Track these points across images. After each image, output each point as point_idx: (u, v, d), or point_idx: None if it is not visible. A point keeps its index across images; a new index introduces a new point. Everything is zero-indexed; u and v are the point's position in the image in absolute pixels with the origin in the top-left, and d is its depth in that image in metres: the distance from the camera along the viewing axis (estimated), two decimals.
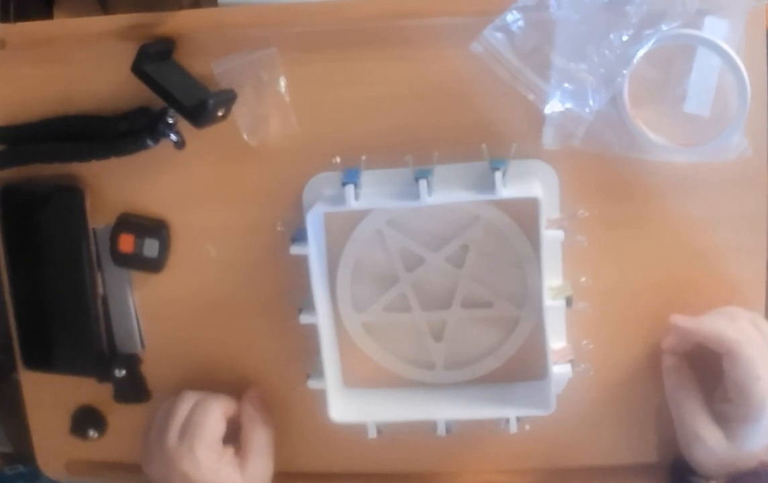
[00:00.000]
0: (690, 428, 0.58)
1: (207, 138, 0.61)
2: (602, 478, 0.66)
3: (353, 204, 0.57)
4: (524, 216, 0.60)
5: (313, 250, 0.59)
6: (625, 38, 0.55)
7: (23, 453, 0.81)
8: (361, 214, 0.62)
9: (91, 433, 0.69)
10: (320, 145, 0.61)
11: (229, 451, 0.62)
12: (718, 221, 0.60)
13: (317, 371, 0.62)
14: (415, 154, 0.58)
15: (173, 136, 0.61)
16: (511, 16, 0.56)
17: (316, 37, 0.60)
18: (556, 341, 0.61)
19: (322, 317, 0.61)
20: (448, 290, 0.63)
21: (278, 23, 0.59)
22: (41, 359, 0.68)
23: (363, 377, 0.66)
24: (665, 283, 0.61)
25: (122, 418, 0.69)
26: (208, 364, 0.67)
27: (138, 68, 0.58)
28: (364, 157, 0.59)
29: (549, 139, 0.59)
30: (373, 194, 0.59)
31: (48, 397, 0.70)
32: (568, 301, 0.59)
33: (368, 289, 0.64)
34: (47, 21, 0.71)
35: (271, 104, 0.61)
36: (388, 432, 0.64)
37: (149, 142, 0.61)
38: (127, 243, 0.64)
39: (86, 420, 0.69)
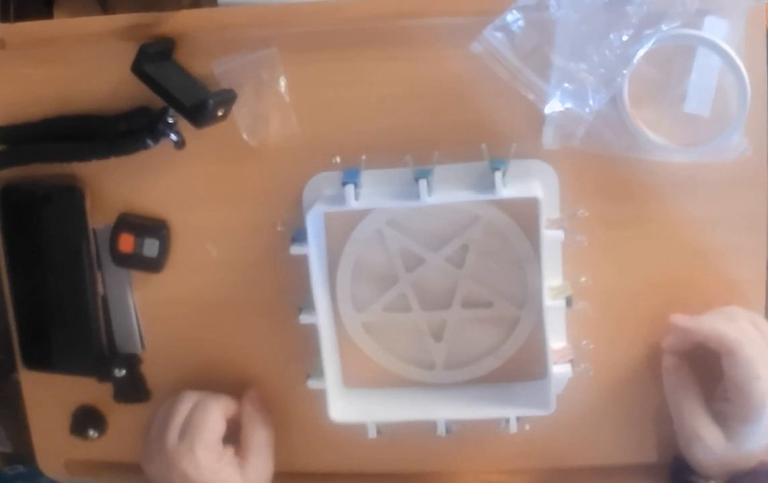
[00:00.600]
0: (690, 428, 0.58)
1: (207, 138, 0.61)
2: (602, 478, 0.66)
3: (353, 204, 0.57)
4: (524, 216, 0.60)
5: (313, 250, 0.59)
6: (625, 38, 0.55)
7: (23, 453, 0.81)
8: (361, 214, 0.62)
9: (91, 433, 0.69)
10: (320, 145, 0.61)
11: (229, 451, 0.62)
12: (718, 221, 0.60)
13: (317, 371, 0.62)
14: (415, 154, 0.58)
15: (173, 136, 0.61)
16: (511, 16, 0.56)
17: (316, 37, 0.60)
18: (556, 341, 0.61)
19: (322, 317, 0.61)
20: (448, 290, 0.63)
21: (278, 23, 0.59)
22: (41, 359, 0.68)
23: (363, 377, 0.66)
24: (665, 283, 0.61)
25: (122, 418, 0.69)
26: (208, 364, 0.67)
27: (138, 68, 0.58)
28: (364, 157, 0.59)
29: (549, 139, 0.59)
30: (373, 194, 0.59)
31: (48, 397, 0.70)
32: (568, 301, 0.59)
33: (368, 289, 0.64)
34: (47, 21, 0.72)
35: (271, 104, 0.61)
36: (388, 432, 0.64)
37: (149, 142, 0.61)
38: (127, 243, 0.64)
39: (86, 420, 0.69)
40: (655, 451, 0.65)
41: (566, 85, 0.56)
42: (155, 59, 0.59)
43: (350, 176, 0.58)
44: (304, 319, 0.61)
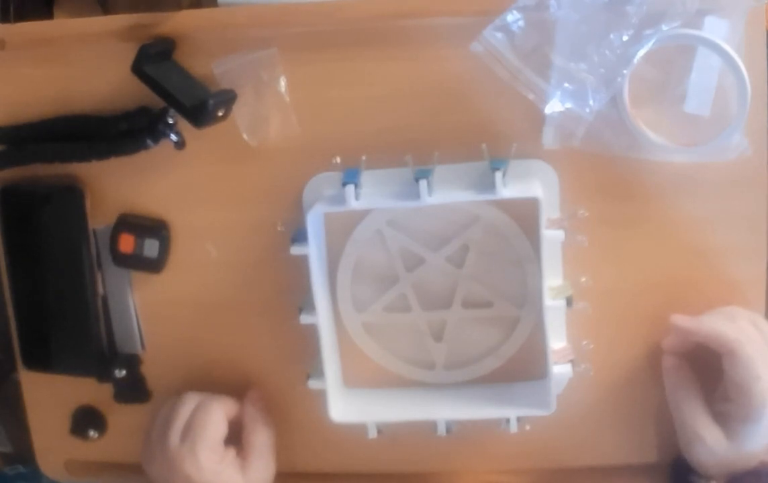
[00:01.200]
0: (690, 428, 0.58)
1: (207, 138, 0.61)
2: (602, 478, 0.66)
3: (353, 204, 0.57)
4: (524, 216, 0.60)
5: (314, 250, 0.59)
6: (625, 38, 0.55)
7: (23, 453, 0.81)
8: (362, 214, 0.62)
9: (91, 433, 0.69)
10: (320, 145, 0.61)
11: (231, 452, 0.62)
12: (718, 221, 0.60)
13: (317, 371, 0.62)
14: (415, 154, 0.58)
15: (173, 136, 0.61)
16: (511, 16, 0.56)
17: (316, 37, 0.60)
18: (557, 341, 0.61)
19: (322, 317, 0.61)
20: (448, 290, 0.63)
21: (278, 23, 0.59)
22: (41, 359, 0.68)
23: (363, 377, 0.66)
24: (665, 283, 0.61)
25: (122, 418, 0.69)
26: (209, 365, 0.67)
27: (138, 68, 0.58)
28: (364, 157, 0.59)
29: (549, 139, 0.59)
30: (373, 194, 0.59)
31: (48, 397, 0.70)
32: (569, 301, 0.59)
33: (368, 289, 0.64)
34: (47, 21, 0.71)
35: (271, 104, 0.61)
36: (389, 432, 0.64)
37: (149, 142, 0.61)
38: (127, 243, 0.64)
39: (86, 420, 0.69)
40: (656, 451, 0.65)
41: (566, 85, 0.56)
42: (155, 59, 0.59)
43: (350, 176, 0.58)
44: (305, 319, 0.61)
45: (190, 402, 0.62)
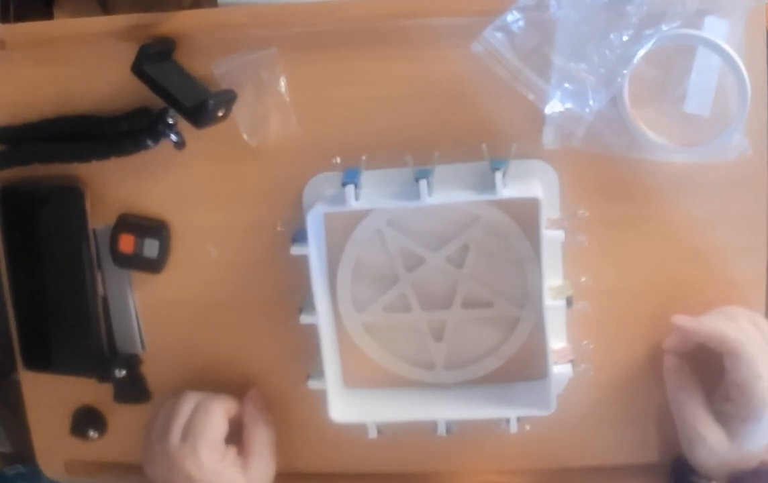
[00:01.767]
0: (692, 428, 0.58)
1: (207, 138, 0.61)
2: (603, 478, 0.66)
3: (353, 204, 0.57)
4: (524, 216, 0.60)
5: (314, 251, 0.59)
6: (625, 38, 0.55)
7: (23, 453, 0.81)
8: (362, 214, 0.62)
9: (92, 433, 0.69)
10: (320, 145, 0.61)
11: (232, 451, 0.62)
12: (718, 221, 0.60)
13: (317, 371, 0.62)
14: (415, 154, 0.58)
15: (173, 137, 0.61)
16: (512, 16, 0.56)
17: (316, 37, 0.60)
18: (557, 341, 0.61)
19: (322, 317, 0.61)
20: (448, 290, 0.63)
21: (278, 23, 0.59)
22: (41, 359, 0.68)
23: (363, 377, 0.66)
24: (665, 283, 0.61)
25: (122, 418, 0.69)
26: (209, 365, 0.67)
27: (138, 68, 0.58)
28: (364, 157, 0.59)
29: (549, 139, 0.59)
30: (373, 194, 0.59)
31: (48, 397, 0.70)
32: (569, 301, 0.59)
33: (368, 289, 0.64)
34: (47, 21, 0.71)
35: (271, 104, 0.61)
36: (389, 432, 0.64)
37: (149, 142, 0.61)
38: (127, 243, 0.64)
39: (86, 420, 0.69)
40: (656, 451, 0.65)
41: (566, 85, 0.56)
42: (155, 59, 0.59)
43: (350, 176, 0.58)
44: (305, 319, 0.61)
45: (190, 401, 0.62)
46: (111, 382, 0.68)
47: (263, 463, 0.62)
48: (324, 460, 0.68)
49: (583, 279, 0.61)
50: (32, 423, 0.71)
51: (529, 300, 0.62)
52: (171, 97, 0.58)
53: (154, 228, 0.64)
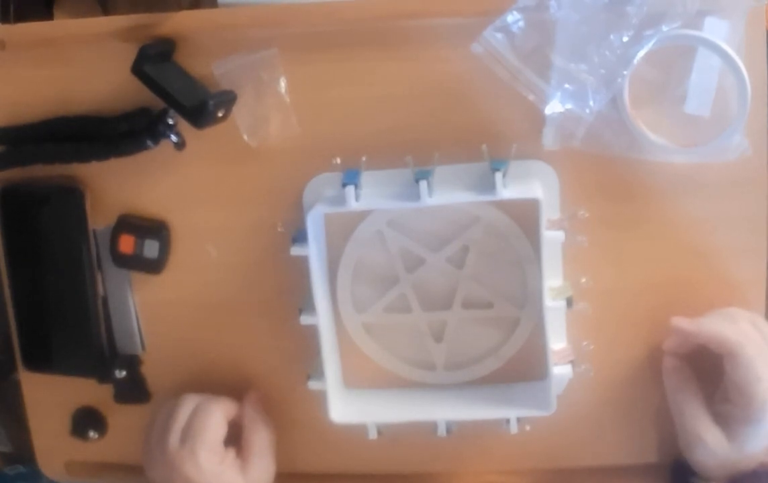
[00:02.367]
0: (691, 430, 0.58)
1: (207, 139, 0.61)
2: (602, 478, 0.66)
3: (353, 205, 0.57)
4: (525, 217, 0.60)
5: (314, 251, 0.59)
6: (625, 39, 0.55)
7: (23, 453, 0.81)
8: (362, 215, 0.62)
9: (92, 433, 0.69)
10: (320, 145, 0.61)
11: (231, 453, 0.61)
12: (718, 221, 0.60)
13: (317, 372, 0.62)
14: (416, 154, 0.58)
15: (173, 137, 0.61)
16: (512, 17, 0.56)
17: (316, 37, 0.60)
18: (557, 342, 0.61)
19: (322, 318, 0.61)
20: (448, 291, 0.63)
21: (278, 23, 0.59)
22: (41, 360, 0.68)
23: (363, 378, 0.66)
24: (665, 284, 0.61)
25: (122, 418, 0.69)
26: (209, 365, 0.67)
27: (138, 69, 0.58)
28: (364, 158, 0.59)
29: (549, 139, 0.59)
30: (373, 195, 0.59)
31: (48, 397, 0.70)
32: (569, 302, 0.59)
33: (369, 290, 0.64)
34: (47, 21, 0.71)
35: (271, 105, 0.61)
36: (389, 433, 0.64)
37: (149, 142, 0.61)
38: (127, 244, 0.64)
39: (86, 421, 0.69)
40: (656, 452, 0.65)
41: (566, 85, 0.56)
42: (155, 60, 0.59)
43: (350, 177, 0.58)
44: (305, 319, 0.61)
45: (189, 403, 0.62)
46: (111, 383, 0.68)
47: (263, 465, 0.62)
48: (324, 460, 0.68)
49: (584, 280, 0.61)
50: (32, 423, 0.71)
51: (529, 301, 0.62)
52: (171, 98, 0.58)
53: (154, 228, 0.64)
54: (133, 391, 0.68)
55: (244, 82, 0.60)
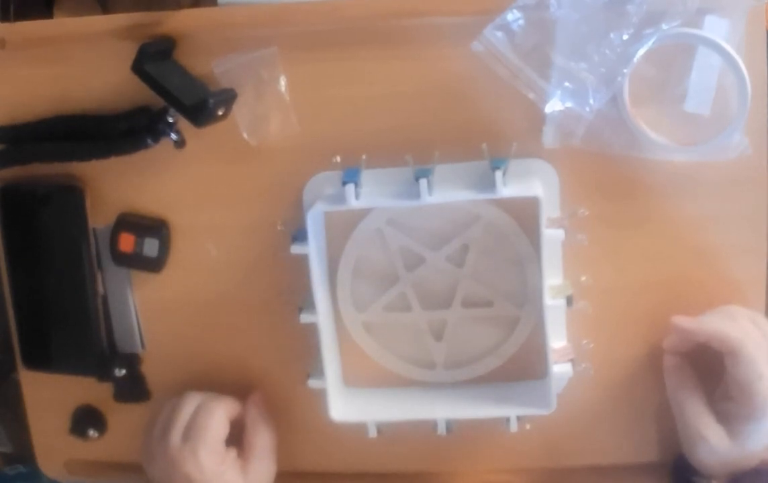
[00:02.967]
0: (693, 428, 0.58)
1: (207, 137, 0.61)
2: (603, 477, 0.66)
3: (353, 203, 0.57)
4: (525, 215, 0.60)
5: (314, 250, 0.59)
6: (625, 37, 0.55)
7: (23, 453, 0.81)
8: (362, 214, 0.62)
9: (91, 432, 0.69)
10: (320, 144, 0.61)
11: (232, 453, 0.61)
12: (718, 220, 0.60)
13: (317, 371, 0.62)
14: (416, 153, 0.58)
15: (173, 136, 0.61)
16: (512, 15, 0.56)
17: (316, 36, 0.60)
18: (557, 340, 0.61)
19: (322, 316, 0.61)
20: (448, 289, 0.63)
21: (278, 23, 0.59)
22: (41, 359, 0.68)
23: (363, 377, 0.66)
24: (665, 282, 0.61)
25: (122, 417, 0.69)
26: (208, 364, 0.67)
27: (138, 67, 0.58)
28: (364, 157, 0.59)
29: (549, 138, 0.59)
30: (373, 193, 0.59)
31: (48, 396, 0.70)
32: (569, 301, 0.59)
33: (369, 289, 0.64)
34: (47, 21, 0.71)
35: (271, 103, 0.61)
36: (389, 431, 0.64)
37: (149, 141, 0.61)
38: (127, 242, 0.64)
39: (86, 420, 0.69)
40: (656, 450, 0.65)
41: (567, 84, 0.56)
42: (155, 59, 0.59)
43: (350, 175, 0.58)
44: (305, 318, 0.61)
45: (191, 402, 0.62)
46: (111, 382, 0.68)
47: (263, 466, 0.62)
48: (324, 459, 0.68)
49: (583, 278, 0.61)
50: (32, 423, 0.71)
51: (529, 299, 0.62)
52: (171, 96, 0.58)
53: (154, 227, 0.64)
54: (133, 389, 0.68)
55: (244, 81, 0.60)
